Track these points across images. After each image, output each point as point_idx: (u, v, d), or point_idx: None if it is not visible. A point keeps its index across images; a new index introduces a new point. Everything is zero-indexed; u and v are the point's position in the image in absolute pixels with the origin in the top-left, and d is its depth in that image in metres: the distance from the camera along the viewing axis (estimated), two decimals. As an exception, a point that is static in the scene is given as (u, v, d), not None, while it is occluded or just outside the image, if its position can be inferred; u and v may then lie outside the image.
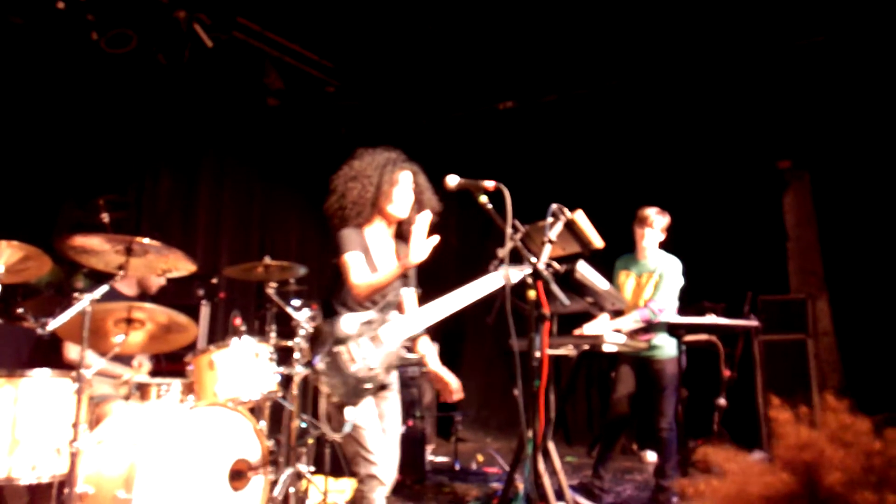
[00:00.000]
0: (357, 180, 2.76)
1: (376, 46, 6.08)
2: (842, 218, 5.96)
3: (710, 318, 3.77)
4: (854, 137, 5.79)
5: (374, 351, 2.64)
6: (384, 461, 2.62)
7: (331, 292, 2.77)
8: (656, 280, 4.14)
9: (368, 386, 2.60)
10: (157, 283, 3.89)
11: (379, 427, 2.67)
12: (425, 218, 2.69)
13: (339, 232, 2.75)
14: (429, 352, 2.90)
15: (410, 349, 2.94)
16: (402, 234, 2.86)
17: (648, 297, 4.14)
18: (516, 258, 3.02)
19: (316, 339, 2.65)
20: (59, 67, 4.91)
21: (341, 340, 2.61)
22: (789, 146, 6.25)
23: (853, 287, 5.81)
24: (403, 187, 2.79)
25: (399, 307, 2.82)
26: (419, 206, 2.83)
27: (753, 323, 4.27)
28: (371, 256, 2.75)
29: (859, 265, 5.77)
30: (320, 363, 2.58)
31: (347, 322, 2.65)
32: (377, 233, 2.82)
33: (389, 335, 2.68)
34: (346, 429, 2.55)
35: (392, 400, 2.80)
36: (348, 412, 2.56)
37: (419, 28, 5.80)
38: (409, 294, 2.88)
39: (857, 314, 5.77)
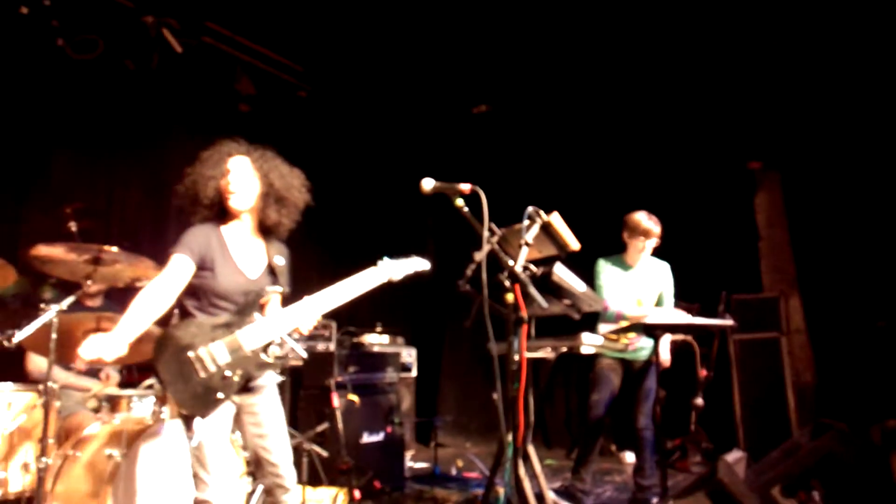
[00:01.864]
0: (197, 181, 2.57)
1: (348, 50, 6.05)
2: (812, 217, 6.06)
3: (686, 318, 3.79)
4: (823, 138, 5.89)
5: (229, 357, 2.41)
6: (222, 485, 2.40)
7: (184, 291, 2.52)
8: (663, 288, 4.26)
9: (220, 396, 2.37)
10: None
11: (225, 444, 2.46)
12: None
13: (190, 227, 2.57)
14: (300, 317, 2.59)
15: (281, 346, 2.66)
16: (269, 230, 2.65)
17: (653, 304, 4.25)
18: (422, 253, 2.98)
19: (162, 345, 2.40)
20: (23, 74, 4.79)
21: (190, 346, 2.38)
22: (760, 147, 6.34)
23: (825, 285, 5.91)
24: (237, 177, 2.55)
25: (262, 308, 2.59)
26: (274, 195, 2.60)
27: (729, 322, 4.29)
28: (228, 254, 2.55)
29: (830, 263, 5.87)
30: (164, 371, 2.35)
31: (200, 326, 2.44)
32: (235, 231, 2.61)
33: (248, 339, 2.46)
34: (192, 443, 2.34)
35: (266, 404, 2.58)
36: (197, 425, 2.33)
37: (392, 32, 5.78)
38: (276, 294, 2.65)
39: (828, 311, 5.87)
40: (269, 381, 2.64)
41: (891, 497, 2.64)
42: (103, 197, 5.25)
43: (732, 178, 6.39)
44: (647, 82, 6.09)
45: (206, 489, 2.38)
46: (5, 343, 3.27)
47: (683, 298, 5.03)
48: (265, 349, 2.50)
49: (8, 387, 3.00)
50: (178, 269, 2.46)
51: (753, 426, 5.67)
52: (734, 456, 4.13)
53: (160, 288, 2.42)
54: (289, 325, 2.54)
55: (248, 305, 2.50)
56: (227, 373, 2.39)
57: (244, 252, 2.60)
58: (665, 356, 4.16)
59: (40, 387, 2.87)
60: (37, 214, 4.59)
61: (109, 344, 2.30)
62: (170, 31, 5.26)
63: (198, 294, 2.50)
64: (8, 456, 2.91)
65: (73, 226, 3.69)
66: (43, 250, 2.89)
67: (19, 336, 3.04)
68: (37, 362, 3.60)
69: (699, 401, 5.36)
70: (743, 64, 5.76)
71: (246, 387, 2.49)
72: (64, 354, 3.12)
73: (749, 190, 6.45)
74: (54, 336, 2.84)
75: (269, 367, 2.53)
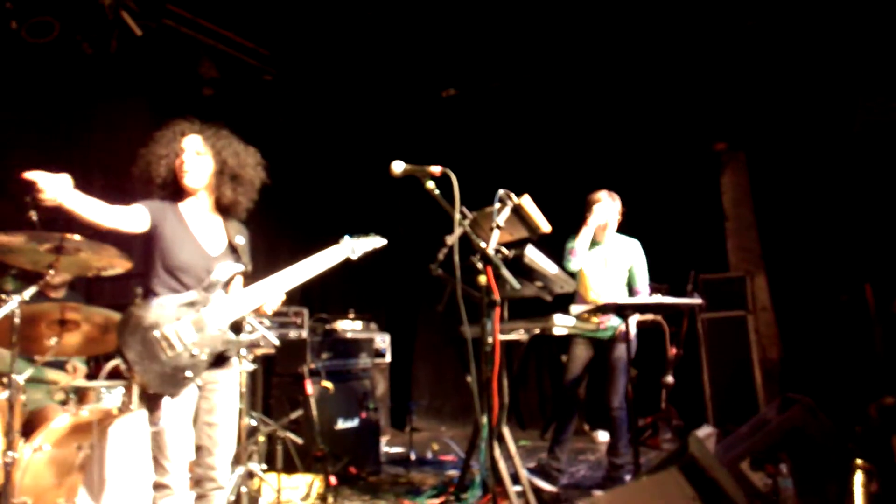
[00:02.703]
0: (150, 161, 2.56)
1: (315, 33, 5.95)
2: (777, 196, 6.17)
3: (656, 298, 3.84)
4: (788, 118, 5.99)
5: (196, 335, 2.40)
6: (182, 469, 2.39)
7: (145, 271, 2.52)
8: (633, 264, 4.26)
9: (189, 374, 2.36)
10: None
11: (185, 428, 2.42)
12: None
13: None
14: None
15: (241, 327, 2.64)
16: (224, 208, 2.64)
17: (623, 281, 4.27)
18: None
19: (125, 325, 2.37)
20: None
21: (156, 325, 2.36)
22: (725, 128, 6.42)
23: (790, 263, 6.03)
24: (189, 155, 2.55)
25: (225, 286, 2.56)
26: (228, 172, 2.59)
27: (698, 301, 4.38)
28: (189, 230, 2.53)
29: (795, 242, 5.99)
30: (130, 352, 2.33)
31: (164, 304, 2.41)
32: (193, 207, 2.60)
33: (214, 317, 2.45)
34: (159, 426, 2.33)
35: (223, 390, 2.55)
36: (166, 405, 2.33)
37: (359, 14, 5.70)
38: (238, 274, 2.62)
39: (794, 289, 6.00)
40: (234, 368, 2.60)
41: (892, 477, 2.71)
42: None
43: (698, 160, 6.47)
44: (614, 64, 6.12)
45: (165, 474, 2.36)
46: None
47: (653, 279, 5.10)
48: (232, 327, 2.50)
49: (-31, 381, 2.91)
50: (131, 210, 2.46)
51: (722, 403, 5.79)
52: (704, 432, 4.22)
53: (107, 207, 2.40)
54: (253, 303, 2.55)
55: (212, 283, 2.48)
56: (195, 351, 2.39)
57: (203, 229, 2.59)
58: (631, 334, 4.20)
59: (4, 380, 2.79)
60: (-6, 204, 4.44)
61: (56, 182, 2.24)
62: (128, 13, 5.11)
63: (160, 271, 2.48)
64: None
65: (33, 214, 3.58)
66: (2, 239, 2.79)
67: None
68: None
69: (669, 379, 5.48)
70: (708, 45, 5.82)
71: (214, 363, 2.46)
72: (28, 347, 3.04)
73: (715, 171, 6.54)
74: (16, 325, 2.75)
75: (235, 345, 2.51)
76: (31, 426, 3.10)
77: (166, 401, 2.33)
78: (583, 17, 5.65)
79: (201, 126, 2.64)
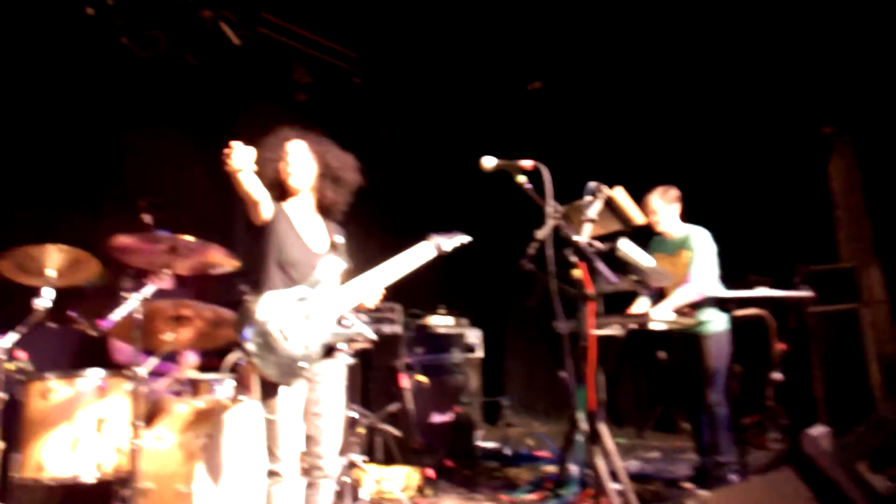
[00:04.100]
0: (257, 164, 2.64)
1: (400, 33, 6.03)
2: (891, 182, 5.74)
3: (762, 291, 3.65)
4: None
5: (307, 328, 2.53)
6: (293, 457, 2.51)
7: (256, 268, 2.68)
8: (690, 254, 4.06)
9: (304, 365, 2.49)
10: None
11: (296, 419, 2.54)
12: None
13: None
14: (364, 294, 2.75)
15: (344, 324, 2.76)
16: (325, 209, 2.83)
17: (686, 272, 4.05)
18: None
19: (243, 318, 2.50)
20: (92, 73, 4.97)
21: (271, 318, 2.48)
22: (832, 111, 6.03)
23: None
24: (295, 159, 2.73)
25: (329, 282, 2.69)
26: (330, 174, 2.78)
27: (807, 294, 4.14)
28: (295, 229, 2.69)
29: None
30: (250, 343, 2.45)
31: (277, 299, 2.54)
32: (297, 208, 2.76)
33: (322, 311, 2.59)
34: (274, 415, 2.47)
35: (330, 382, 2.68)
36: (281, 395, 2.47)
37: (443, 13, 5.73)
38: (339, 268, 2.76)
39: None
40: (339, 360, 2.72)
41: None
42: (173, 188, 5.42)
43: (805, 144, 6.10)
44: (711, 46, 5.85)
45: (277, 462, 2.48)
46: (91, 331, 3.43)
47: (756, 271, 4.86)
48: (339, 321, 2.62)
49: (99, 373, 3.15)
50: (268, 197, 2.63)
51: (835, 400, 5.46)
52: (818, 431, 3.98)
53: (263, 188, 2.60)
54: (355, 298, 2.69)
55: (319, 278, 2.63)
56: (308, 342, 2.51)
57: (308, 228, 2.75)
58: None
59: (128, 372, 2.99)
60: (112, 208, 4.77)
61: (246, 155, 2.44)
62: (227, 24, 5.36)
63: (271, 266, 2.62)
64: (101, 439, 3.06)
65: (147, 217, 3.82)
66: (122, 241, 3.00)
67: (105, 325, 3.18)
68: (121, 349, 3.77)
69: (777, 375, 5.19)
70: (813, 25, 5.47)
71: (325, 354, 2.59)
72: (146, 341, 3.25)
73: (823, 156, 6.15)
74: (138, 321, 2.96)
75: (343, 338, 2.63)
76: (150, 416, 3.32)
77: (282, 390, 2.46)
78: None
79: (304, 132, 2.81)
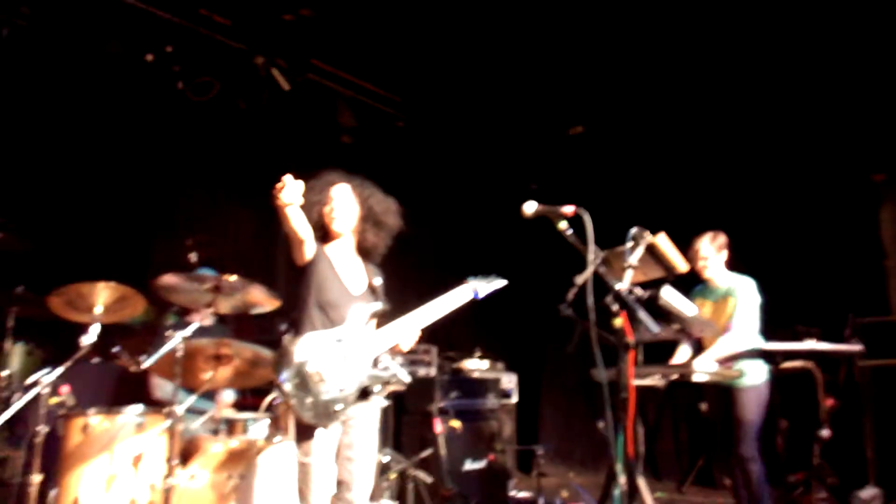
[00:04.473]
0: (304, 206, 2.70)
1: (443, 78, 6.14)
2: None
3: (810, 343, 3.53)
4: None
5: (343, 370, 2.54)
6: (323, 499, 2.51)
7: (295, 307, 2.73)
8: (734, 303, 3.96)
9: (339, 407, 2.49)
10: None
11: (329, 462, 2.55)
12: None
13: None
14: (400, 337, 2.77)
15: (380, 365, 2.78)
16: (365, 251, 2.89)
17: (728, 322, 3.96)
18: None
19: (282, 358, 2.53)
20: (148, 117, 5.17)
21: (309, 359, 2.50)
22: (884, 157, 5.89)
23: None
24: (339, 202, 2.79)
25: (367, 324, 2.73)
26: (372, 218, 2.86)
27: (857, 347, 3.99)
28: (335, 270, 2.75)
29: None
30: (287, 384, 2.46)
31: (315, 340, 2.56)
32: (338, 250, 2.82)
33: (359, 353, 2.61)
34: (308, 458, 2.47)
35: (363, 426, 2.69)
36: (317, 437, 2.47)
37: (485, 58, 5.83)
38: (376, 311, 2.78)
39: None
40: (374, 404, 2.72)
41: None
42: (220, 229, 5.56)
43: (854, 192, 5.95)
44: (760, 92, 5.79)
45: None
46: (133, 368, 3.50)
47: (804, 322, 4.72)
48: (374, 363, 2.64)
49: (137, 409, 3.19)
50: (311, 237, 2.68)
51: (886, 460, 5.19)
52: (869, 493, 3.80)
53: (308, 225, 2.65)
54: (391, 341, 2.70)
55: (358, 320, 2.66)
56: (344, 385, 2.52)
57: (347, 270, 2.81)
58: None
59: (166, 410, 3.03)
60: (163, 247, 4.90)
61: (296, 189, 2.48)
62: (278, 69, 5.55)
63: (311, 307, 2.67)
64: (136, 475, 3.08)
65: (193, 256, 3.92)
66: (168, 280, 3.07)
67: (147, 362, 3.24)
68: (161, 386, 3.82)
69: (825, 432, 4.99)
70: (864, 72, 5.40)
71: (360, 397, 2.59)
72: (185, 379, 3.29)
73: (874, 204, 5.99)
74: (179, 359, 3.00)
75: (378, 381, 2.63)
76: (185, 454, 3.34)
77: (317, 433, 2.47)
78: (725, 39, 5.41)
79: (349, 176, 2.89)
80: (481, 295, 3.00)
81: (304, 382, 2.47)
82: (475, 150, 7.03)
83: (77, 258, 4.49)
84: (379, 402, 2.82)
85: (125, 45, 4.84)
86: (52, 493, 3.07)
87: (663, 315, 3.55)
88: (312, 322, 2.64)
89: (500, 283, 3.11)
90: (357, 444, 2.65)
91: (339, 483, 2.60)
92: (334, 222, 2.78)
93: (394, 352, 2.78)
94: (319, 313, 2.66)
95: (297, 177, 2.90)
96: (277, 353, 2.57)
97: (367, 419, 2.70)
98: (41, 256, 4.35)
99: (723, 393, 3.94)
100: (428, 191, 6.73)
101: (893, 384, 5.36)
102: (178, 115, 5.27)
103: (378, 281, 2.84)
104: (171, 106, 5.20)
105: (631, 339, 2.86)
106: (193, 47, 5.12)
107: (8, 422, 3.26)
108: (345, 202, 2.81)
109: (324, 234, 2.81)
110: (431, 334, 6.14)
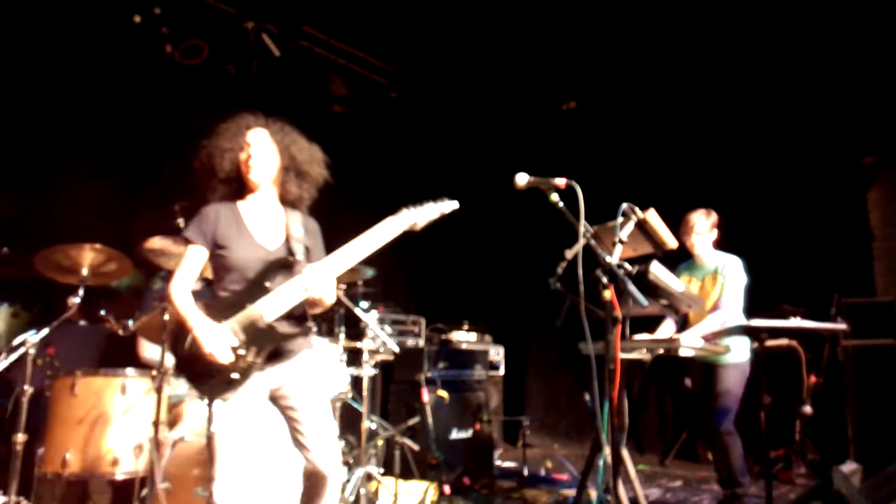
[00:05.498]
0: (213, 154, 2.48)
1: (437, 50, 6.08)
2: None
3: (795, 322, 3.56)
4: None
5: (242, 334, 2.30)
6: (228, 480, 2.27)
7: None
8: (721, 281, 3.99)
9: (235, 376, 2.26)
10: None
11: (240, 436, 2.29)
12: None
13: (201, 208, 2.48)
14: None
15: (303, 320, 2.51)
16: (290, 202, 2.56)
17: (716, 299, 3.99)
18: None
19: (176, 333, 2.33)
20: (136, 79, 5.08)
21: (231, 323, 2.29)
22: (873, 141, 5.91)
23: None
24: (256, 150, 2.47)
25: (286, 279, 2.40)
26: (294, 168, 2.52)
27: (842, 326, 4.04)
28: (246, 229, 2.45)
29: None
30: (179, 360, 2.30)
31: (210, 308, 2.32)
32: (254, 204, 2.51)
33: (263, 311, 2.32)
34: (210, 430, 2.25)
35: (297, 384, 2.42)
36: (217, 409, 2.24)
37: (479, 30, 5.77)
38: (282, 263, 2.46)
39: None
40: (300, 358, 2.46)
41: None
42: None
43: (843, 173, 5.98)
44: (751, 72, 5.79)
45: (210, 483, 2.27)
46: (121, 331, 3.49)
47: (791, 301, 4.77)
48: (286, 318, 2.38)
49: (127, 372, 3.19)
50: (195, 259, 2.43)
51: (867, 437, 5.29)
52: (848, 468, 3.86)
53: (187, 281, 2.40)
54: (300, 292, 2.36)
55: (263, 277, 2.38)
56: (241, 352, 2.29)
57: (262, 225, 2.49)
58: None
59: (153, 372, 3.03)
60: (148, 211, 4.86)
61: (218, 335, 2.28)
62: (268, 35, 5.46)
63: (219, 272, 2.44)
64: (123, 437, 3.09)
65: (180, 222, 3.88)
66: (157, 243, 3.05)
67: (134, 325, 3.23)
68: (149, 349, 3.82)
69: (807, 409, 5.08)
70: (855, 54, 5.38)
71: (271, 358, 2.37)
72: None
73: (862, 186, 6.03)
74: (167, 322, 2.99)
75: (289, 338, 2.41)
76: (173, 417, 3.35)
77: (217, 405, 2.26)
78: (714, 22, 5.40)
79: (266, 120, 2.57)
80: (422, 224, 2.61)
81: (192, 354, 2.26)
82: (467, 124, 6.98)
83: (64, 220, 4.45)
84: (311, 355, 2.54)
85: (113, 4, 4.74)
86: (40, 452, 3.07)
87: (651, 290, 3.58)
88: (221, 287, 2.40)
89: (448, 206, 2.71)
90: (298, 405, 2.41)
91: (301, 447, 2.42)
92: (251, 172, 2.45)
93: (314, 304, 2.46)
94: (227, 276, 2.40)
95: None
96: (173, 328, 2.38)
97: (298, 375, 2.44)
98: (27, 218, 4.31)
99: (706, 368, 3.99)
100: (419, 163, 6.70)
101: (875, 363, 5.43)
102: (165, 78, 5.18)
103: (299, 230, 2.50)
104: (159, 69, 5.11)
105: (618, 313, 2.86)
106: (182, 9, 5.03)
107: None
108: (263, 149, 2.47)
109: (239, 185, 2.49)
110: (419, 305, 6.17)
